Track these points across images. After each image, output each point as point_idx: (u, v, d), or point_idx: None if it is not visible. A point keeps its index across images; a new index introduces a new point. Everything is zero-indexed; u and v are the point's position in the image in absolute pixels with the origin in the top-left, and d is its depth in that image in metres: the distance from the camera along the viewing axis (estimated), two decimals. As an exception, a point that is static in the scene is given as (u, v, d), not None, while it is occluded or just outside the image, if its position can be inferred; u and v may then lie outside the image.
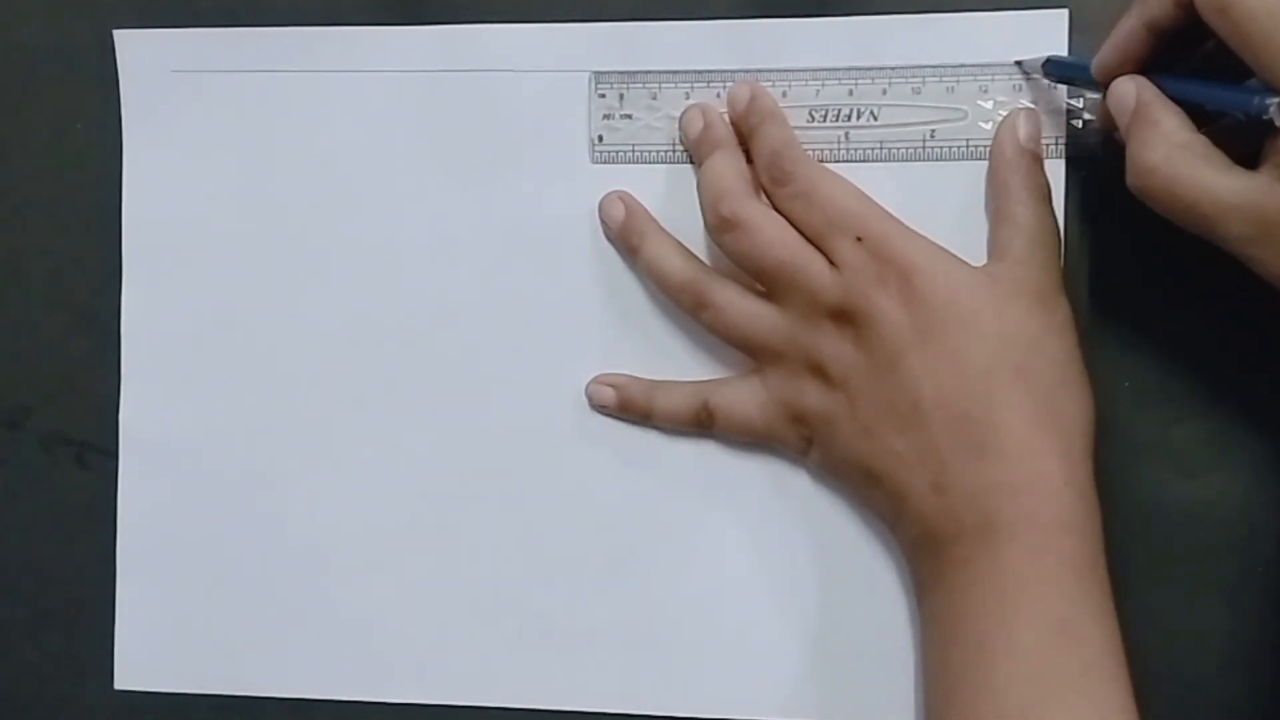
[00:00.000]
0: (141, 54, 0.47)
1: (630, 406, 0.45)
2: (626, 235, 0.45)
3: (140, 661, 0.48)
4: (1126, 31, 0.39)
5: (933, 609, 0.42)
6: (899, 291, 0.41)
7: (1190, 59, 0.39)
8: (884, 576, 0.45)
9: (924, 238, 0.42)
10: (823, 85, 0.44)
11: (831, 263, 0.42)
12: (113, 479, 0.48)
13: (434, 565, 0.47)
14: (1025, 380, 0.40)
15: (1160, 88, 0.39)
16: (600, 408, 0.46)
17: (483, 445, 0.47)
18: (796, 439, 0.44)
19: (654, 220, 0.45)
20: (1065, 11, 0.43)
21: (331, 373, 0.47)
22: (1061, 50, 0.43)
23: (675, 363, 0.46)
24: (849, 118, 0.44)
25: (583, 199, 0.46)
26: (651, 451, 0.46)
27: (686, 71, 0.45)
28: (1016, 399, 0.40)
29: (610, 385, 0.46)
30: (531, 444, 0.46)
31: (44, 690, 0.49)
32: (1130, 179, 0.38)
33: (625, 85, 0.45)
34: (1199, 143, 0.38)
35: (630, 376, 0.46)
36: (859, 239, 0.41)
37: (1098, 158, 0.43)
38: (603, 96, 0.45)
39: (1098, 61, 0.40)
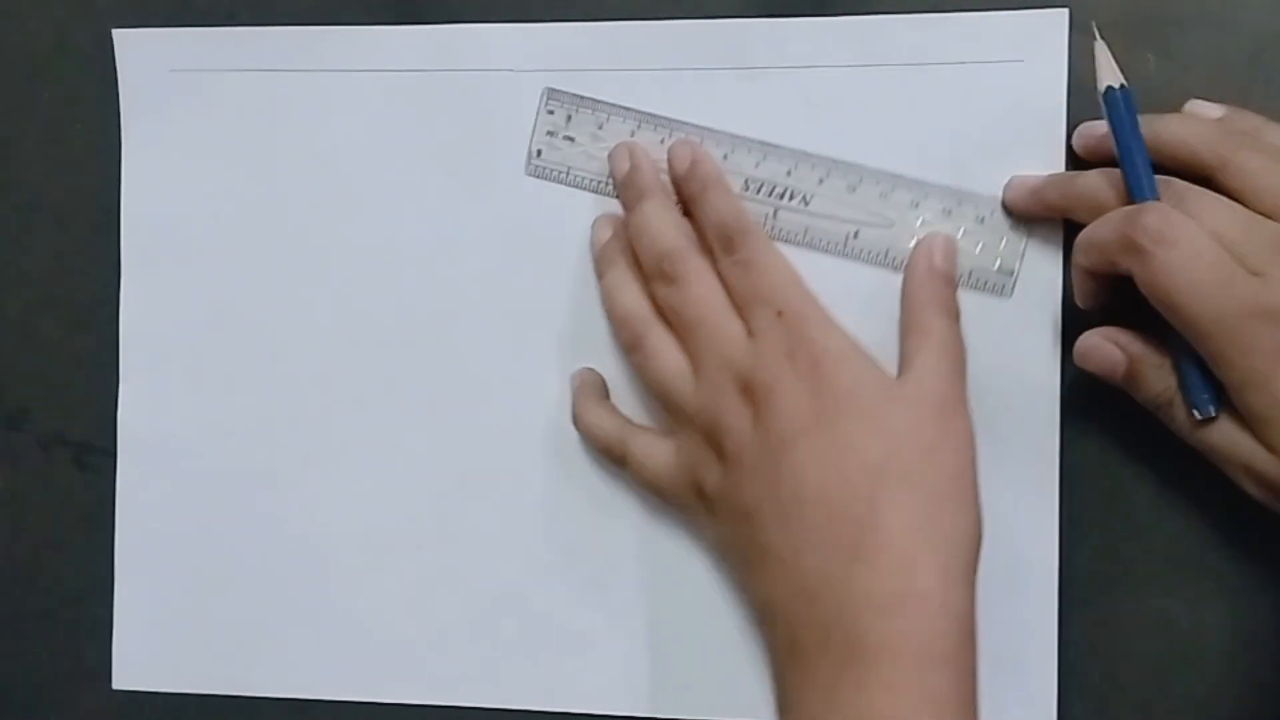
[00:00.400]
0: (140, 53, 0.47)
1: (574, 402, 0.45)
2: (599, 259, 0.45)
3: (138, 661, 0.48)
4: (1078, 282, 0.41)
5: None
6: (806, 372, 0.40)
7: None
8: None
9: (844, 331, 0.41)
10: (764, 158, 0.44)
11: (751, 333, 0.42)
12: (112, 479, 0.48)
13: (433, 565, 0.47)
14: (913, 487, 0.39)
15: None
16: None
17: (481, 445, 0.46)
18: (700, 510, 0.43)
19: (629, 253, 0.45)
20: (1065, 11, 0.43)
21: (329, 372, 0.47)
22: (1062, 49, 0.43)
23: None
24: (781, 196, 0.44)
25: (578, 198, 0.46)
26: (651, 451, 0.46)
27: (637, 111, 0.45)
28: (901, 501, 0.39)
29: (580, 378, 0.45)
30: (530, 443, 0.46)
31: (42, 690, 0.49)
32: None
33: (574, 108, 0.45)
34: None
35: (593, 376, 0.45)
36: (780, 314, 0.41)
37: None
38: (551, 113, 0.45)
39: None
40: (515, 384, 0.46)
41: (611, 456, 0.45)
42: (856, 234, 0.44)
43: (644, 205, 0.44)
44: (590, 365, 0.46)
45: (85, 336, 0.48)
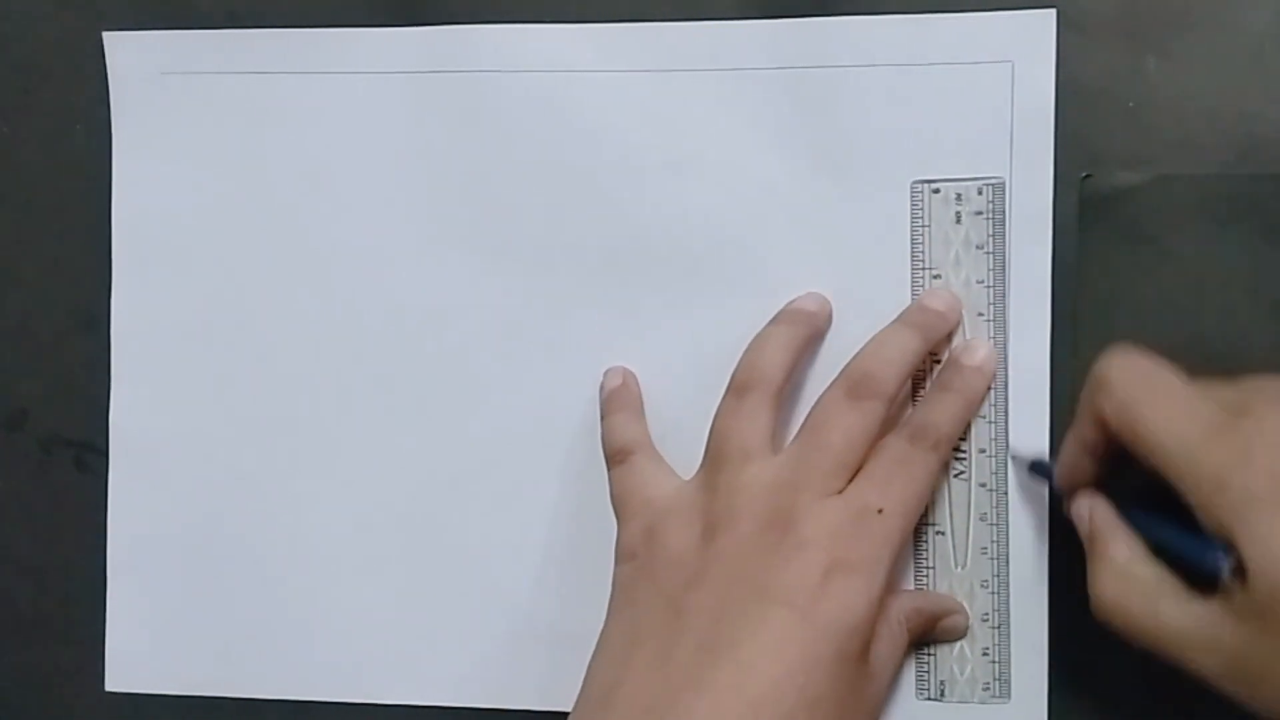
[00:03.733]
0: (131, 56, 0.48)
1: (606, 400, 0.45)
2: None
3: (131, 663, 0.48)
4: (1069, 452, 0.40)
5: None
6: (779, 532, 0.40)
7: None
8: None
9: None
10: None
11: None
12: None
13: (426, 565, 0.47)
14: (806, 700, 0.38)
15: (1122, 512, 0.39)
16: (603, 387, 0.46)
17: (475, 446, 0.47)
18: (627, 554, 0.43)
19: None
20: (1053, 12, 0.43)
21: (322, 374, 0.47)
22: (1050, 50, 0.43)
23: (667, 363, 0.46)
24: None
25: (574, 201, 0.46)
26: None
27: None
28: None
29: (620, 376, 0.45)
30: (524, 444, 0.46)
31: (36, 692, 0.49)
32: (1092, 611, 0.38)
33: None
34: (1150, 575, 0.37)
35: (632, 380, 0.45)
36: (880, 511, 0.40)
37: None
38: None
39: (1058, 475, 0.41)
40: (507, 386, 0.46)
41: (609, 459, 0.45)
42: None
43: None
44: (580, 369, 0.46)
45: (84, 338, 0.48)
